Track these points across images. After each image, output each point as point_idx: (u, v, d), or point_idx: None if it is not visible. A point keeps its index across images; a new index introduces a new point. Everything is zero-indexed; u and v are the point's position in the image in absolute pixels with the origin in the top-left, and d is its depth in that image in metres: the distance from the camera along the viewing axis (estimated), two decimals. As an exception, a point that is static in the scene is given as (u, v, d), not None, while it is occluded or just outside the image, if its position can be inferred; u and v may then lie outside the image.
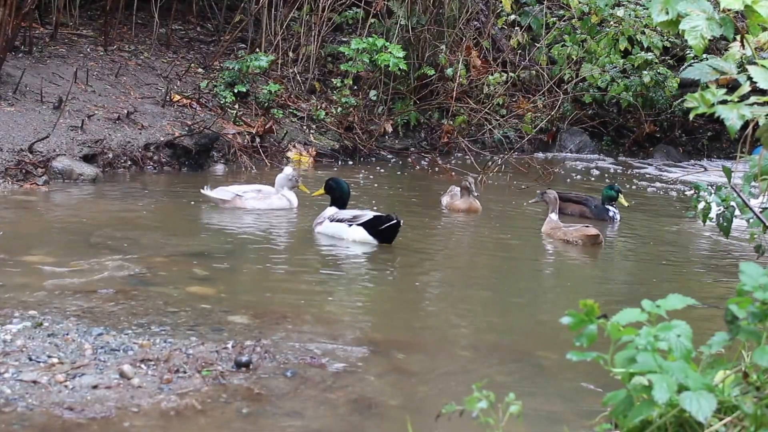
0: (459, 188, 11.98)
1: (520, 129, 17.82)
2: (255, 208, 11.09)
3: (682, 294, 3.77)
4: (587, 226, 10.66)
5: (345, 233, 9.77)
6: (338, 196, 10.13)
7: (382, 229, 9.66)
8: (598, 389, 5.77)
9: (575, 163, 17.66)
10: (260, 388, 5.59)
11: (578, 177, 16.23)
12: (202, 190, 11.10)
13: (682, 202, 13.84)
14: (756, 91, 4.08)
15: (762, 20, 4.18)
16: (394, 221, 9.62)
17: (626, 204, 11.91)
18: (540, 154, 17.84)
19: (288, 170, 11.49)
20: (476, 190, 11.93)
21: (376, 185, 14.01)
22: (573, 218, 11.51)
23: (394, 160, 16.31)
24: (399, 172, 15.44)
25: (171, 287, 7.57)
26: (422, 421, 5.21)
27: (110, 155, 12.98)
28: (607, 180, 15.59)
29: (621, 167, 17.50)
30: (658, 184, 15.68)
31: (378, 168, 15.45)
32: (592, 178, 16.16)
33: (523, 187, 14.02)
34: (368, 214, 9.80)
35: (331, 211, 10.04)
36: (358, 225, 9.72)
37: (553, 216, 10.79)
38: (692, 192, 13.45)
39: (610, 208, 11.82)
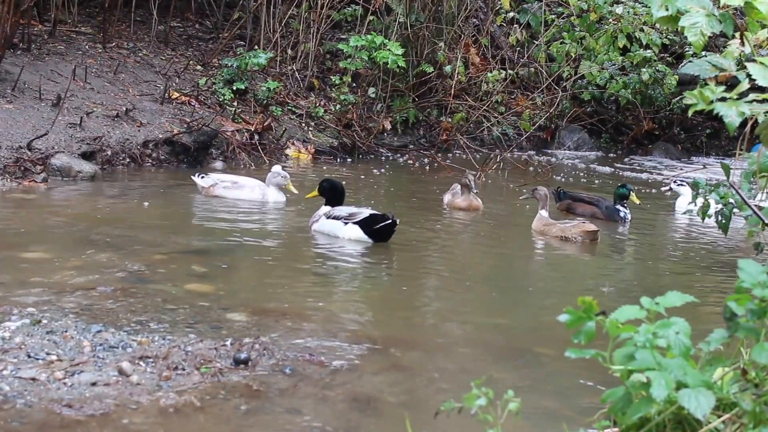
0: (460, 186, 11.96)
1: (518, 126, 17.82)
2: (223, 196, 11.46)
3: (681, 291, 3.77)
4: (584, 222, 10.64)
5: (340, 231, 9.74)
6: (332, 197, 10.08)
7: (377, 229, 9.63)
8: (596, 386, 5.77)
9: (574, 161, 17.65)
10: (259, 385, 5.59)
11: (574, 176, 16.22)
12: (193, 176, 11.72)
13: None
14: (755, 88, 4.08)
15: (761, 17, 4.18)
16: (390, 221, 9.58)
17: (637, 202, 11.86)
18: (519, 152, 17.81)
19: (276, 168, 11.67)
20: (476, 187, 11.91)
21: (374, 183, 14.01)
22: (584, 219, 11.46)
23: (392, 157, 16.31)
24: (397, 170, 15.44)
25: (169, 284, 7.56)
26: (421, 418, 5.21)
27: (109, 152, 12.97)
28: (597, 179, 15.59)
29: (619, 164, 17.50)
30: (657, 181, 15.68)
31: (376, 165, 15.45)
32: (586, 177, 16.15)
33: (514, 186, 14.02)
34: (364, 213, 9.75)
35: (327, 207, 9.99)
36: (354, 223, 9.68)
37: (543, 213, 10.78)
38: (666, 189, 13.54)
39: (621, 208, 11.76)
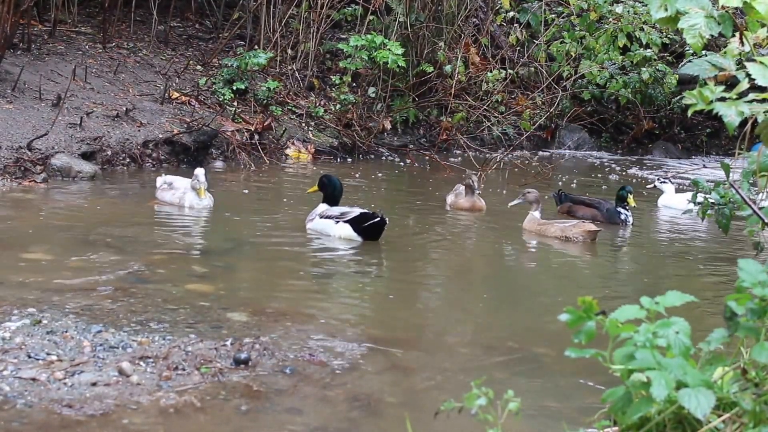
0: (463, 186, 11.98)
1: (518, 126, 17.83)
2: (158, 198, 11.06)
3: (681, 291, 3.77)
4: (584, 222, 10.68)
5: (332, 230, 9.82)
6: (330, 193, 10.18)
7: (366, 226, 9.71)
8: (596, 386, 5.77)
9: (574, 160, 17.66)
10: (259, 385, 5.59)
11: (574, 176, 16.22)
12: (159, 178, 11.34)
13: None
14: (755, 87, 4.07)
15: (760, 17, 4.17)
16: (378, 219, 9.66)
17: (632, 204, 11.81)
18: (519, 152, 17.81)
19: (198, 170, 11.00)
20: (479, 187, 11.93)
21: (375, 183, 14.01)
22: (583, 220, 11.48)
23: (392, 157, 16.31)
24: (398, 170, 15.44)
25: (170, 284, 7.56)
26: (421, 418, 5.21)
27: (109, 152, 12.97)
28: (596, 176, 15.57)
29: (618, 165, 17.49)
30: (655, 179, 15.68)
31: (377, 165, 15.45)
32: (586, 177, 16.16)
33: (515, 186, 14.03)
34: (355, 212, 9.86)
35: (323, 207, 10.08)
36: (344, 222, 9.76)
37: (537, 214, 10.79)
38: (652, 186, 13.73)
39: (622, 210, 11.72)
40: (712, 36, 4.10)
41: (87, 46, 15.75)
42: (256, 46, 16.50)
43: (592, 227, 10.49)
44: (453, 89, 17.08)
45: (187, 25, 18.06)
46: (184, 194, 10.90)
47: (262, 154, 14.60)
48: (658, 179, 13.69)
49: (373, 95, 16.64)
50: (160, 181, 11.24)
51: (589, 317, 3.66)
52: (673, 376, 3.46)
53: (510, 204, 11.23)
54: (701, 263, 10.16)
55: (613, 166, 17.30)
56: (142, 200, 11.10)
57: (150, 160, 13.42)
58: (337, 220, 9.81)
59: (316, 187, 10.42)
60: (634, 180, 15.63)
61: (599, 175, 16.23)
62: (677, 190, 13.20)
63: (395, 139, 16.90)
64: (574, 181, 15.27)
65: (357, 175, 14.26)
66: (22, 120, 12.63)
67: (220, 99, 15.38)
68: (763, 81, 3.96)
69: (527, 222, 10.80)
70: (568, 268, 9.74)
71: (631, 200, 11.73)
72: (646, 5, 16.34)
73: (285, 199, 12.01)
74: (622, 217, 11.70)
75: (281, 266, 8.78)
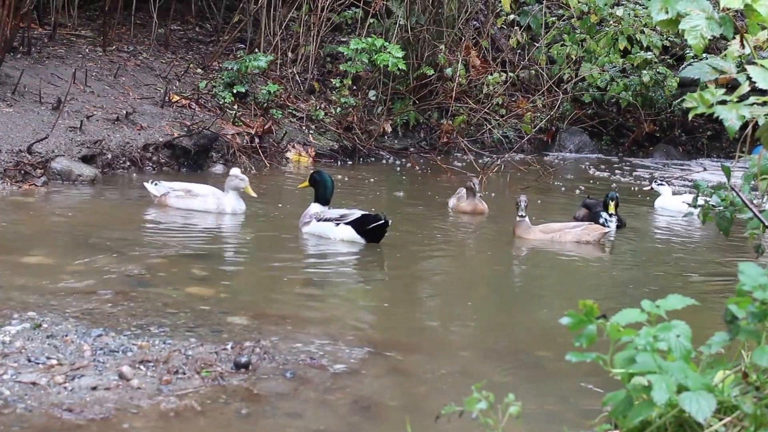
0: (465, 190, 11.98)
1: (519, 129, 17.83)
2: (176, 206, 10.84)
3: (682, 294, 3.77)
4: (591, 224, 10.84)
5: (332, 232, 9.77)
6: (322, 190, 10.11)
7: (369, 229, 9.67)
8: (597, 389, 5.76)
9: (575, 163, 17.65)
10: (259, 389, 5.58)
11: (575, 179, 16.21)
12: (145, 183, 11.12)
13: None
14: (755, 90, 4.07)
15: (761, 19, 4.17)
16: (382, 221, 9.63)
17: (611, 211, 11.67)
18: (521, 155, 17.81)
19: (234, 171, 10.95)
20: (480, 191, 11.93)
21: (376, 185, 14.00)
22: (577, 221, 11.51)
23: (393, 160, 16.30)
24: (398, 173, 15.43)
25: (170, 288, 7.55)
26: (422, 421, 5.20)
27: (109, 156, 12.97)
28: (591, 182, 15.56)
29: (618, 169, 17.48)
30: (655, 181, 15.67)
31: (377, 168, 15.44)
32: (592, 180, 16.15)
33: (518, 188, 14.02)
34: (356, 213, 9.81)
35: (316, 208, 10.01)
36: (346, 224, 9.72)
37: (527, 220, 10.80)
38: (651, 187, 13.86)
39: (604, 214, 11.72)
40: (713, 38, 4.10)
41: (87, 50, 15.75)
42: (256, 49, 16.50)
43: (603, 228, 10.83)
44: (453, 92, 17.08)
45: (188, 29, 18.07)
46: (219, 200, 10.74)
47: (263, 158, 14.60)
48: (655, 181, 13.77)
49: (374, 98, 16.65)
50: (159, 188, 10.94)
51: (590, 321, 3.66)
52: (674, 379, 3.46)
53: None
54: (700, 266, 10.15)
55: (617, 167, 17.29)
56: (142, 203, 11.09)
57: (150, 164, 13.42)
58: (338, 222, 9.77)
59: (307, 183, 10.34)
60: (634, 187, 15.60)
61: (593, 182, 16.20)
62: (674, 193, 13.30)
63: (396, 142, 16.90)
64: (581, 186, 15.26)
65: (347, 179, 14.26)
66: (22, 123, 12.63)
67: (221, 102, 15.38)
68: (763, 84, 3.96)
69: (523, 230, 10.63)
70: (568, 272, 9.73)
71: (610, 207, 11.64)
72: (646, 8, 16.37)
73: (284, 203, 11.99)
74: (601, 221, 11.66)
75: (281, 269, 8.76)
